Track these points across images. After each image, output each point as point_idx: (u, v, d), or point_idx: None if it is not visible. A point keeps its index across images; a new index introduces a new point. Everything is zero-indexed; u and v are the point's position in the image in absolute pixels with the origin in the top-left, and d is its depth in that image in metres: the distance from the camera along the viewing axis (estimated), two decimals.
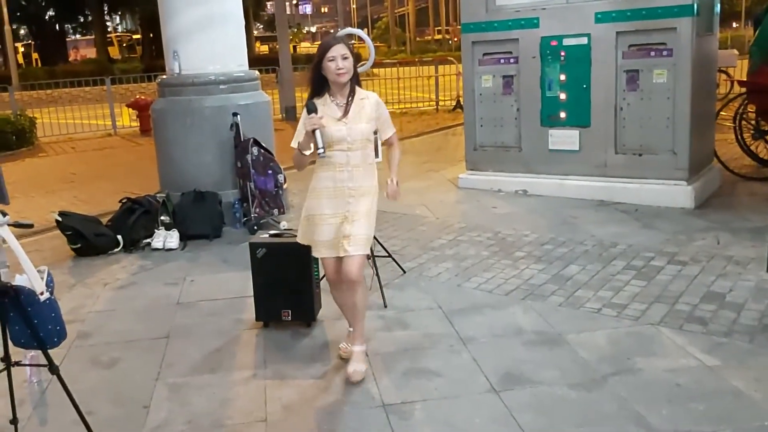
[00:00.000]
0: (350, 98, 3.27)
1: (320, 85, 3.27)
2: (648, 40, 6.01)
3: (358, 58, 3.39)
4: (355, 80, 3.30)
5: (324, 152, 3.16)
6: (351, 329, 3.52)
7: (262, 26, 51.71)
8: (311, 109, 3.18)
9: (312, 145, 3.18)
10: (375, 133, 3.41)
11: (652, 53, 6.01)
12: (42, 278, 2.52)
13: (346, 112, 3.24)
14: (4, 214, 2.43)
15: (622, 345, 3.59)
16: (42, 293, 2.49)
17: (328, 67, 3.19)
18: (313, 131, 3.13)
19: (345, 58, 3.18)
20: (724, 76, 12.17)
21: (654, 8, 5.90)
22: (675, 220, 5.70)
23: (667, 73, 5.95)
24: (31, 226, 2.54)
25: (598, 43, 6.20)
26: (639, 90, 6.12)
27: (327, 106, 3.25)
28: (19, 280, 2.52)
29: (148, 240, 5.74)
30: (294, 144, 3.28)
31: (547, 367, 3.40)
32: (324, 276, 3.55)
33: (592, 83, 6.30)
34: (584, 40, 6.26)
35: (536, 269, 4.73)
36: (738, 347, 3.50)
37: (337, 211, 3.28)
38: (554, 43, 6.42)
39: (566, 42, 6.37)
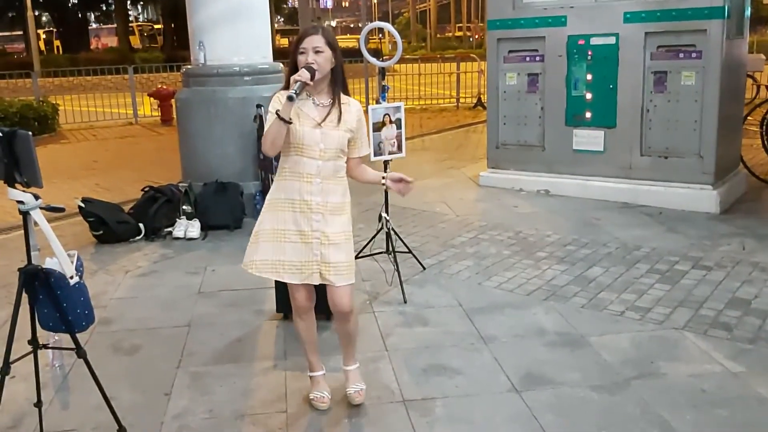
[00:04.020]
0: (334, 101, 2.85)
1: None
2: (677, 42, 5.94)
3: (340, 57, 2.87)
4: (340, 83, 2.88)
5: (294, 97, 2.65)
6: (313, 373, 3.18)
7: (282, 19, 51.81)
8: (292, 98, 2.67)
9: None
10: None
11: (681, 55, 5.95)
12: (72, 262, 2.53)
13: (325, 116, 2.83)
14: (37, 198, 2.44)
15: (646, 348, 3.56)
16: (72, 277, 2.50)
17: (299, 60, 2.77)
18: (295, 81, 2.68)
19: (318, 52, 2.74)
20: (750, 81, 12.02)
21: (684, 9, 5.82)
22: (699, 224, 5.64)
23: (696, 76, 5.88)
24: (62, 210, 2.55)
25: (626, 43, 6.14)
26: (666, 92, 6.05)
27: (304, 102, 2.83)
28: (49, 264, 2.53)
29: (170, 229, 5.76)
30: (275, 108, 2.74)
31: (569, 369, 3.38)
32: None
33: (618, 84, 6.24)
34: (612, 40, 6.20)
35: (558, 270, 4.70)
36: (763, 354, 3.47)
37: (302, 228, 2.85)
38: (581, 42, 6.37)
39: (594, 41, 6.31)
